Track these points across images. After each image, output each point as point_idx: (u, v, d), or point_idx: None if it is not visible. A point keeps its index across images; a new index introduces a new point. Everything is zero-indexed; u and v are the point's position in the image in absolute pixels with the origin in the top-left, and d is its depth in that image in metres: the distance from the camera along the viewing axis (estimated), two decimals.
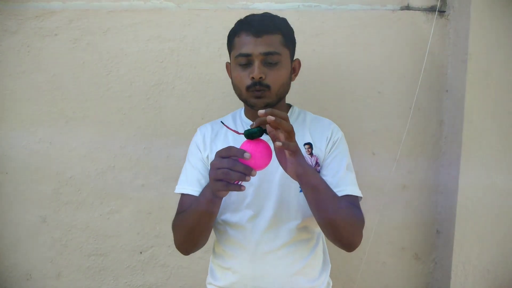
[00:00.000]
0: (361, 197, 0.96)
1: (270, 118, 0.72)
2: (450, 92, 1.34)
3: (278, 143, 0.73)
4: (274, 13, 1.28)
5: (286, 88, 0.98)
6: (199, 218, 0.89)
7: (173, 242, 1.36)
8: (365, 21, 1.33)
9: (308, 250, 0.97)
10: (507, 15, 1.26)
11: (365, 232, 1.34)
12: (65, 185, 1.36)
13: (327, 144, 0.98)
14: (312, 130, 1.00)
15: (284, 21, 0.99)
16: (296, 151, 0.78)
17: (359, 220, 0.91)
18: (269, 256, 0.94)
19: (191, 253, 0.98)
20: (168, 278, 1.40)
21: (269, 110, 0.73)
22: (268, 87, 0.92)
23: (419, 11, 1.34)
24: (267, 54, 0.91)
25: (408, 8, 1.35)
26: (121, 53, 1.32)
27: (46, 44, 1.32)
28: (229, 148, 0.75)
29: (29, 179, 1.35)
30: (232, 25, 1.30)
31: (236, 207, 0.96)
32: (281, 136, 0.76)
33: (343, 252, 1.04)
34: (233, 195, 0.96)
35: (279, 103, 0.98)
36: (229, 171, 0.73)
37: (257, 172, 0.75)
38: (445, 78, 1.35)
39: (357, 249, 1.34)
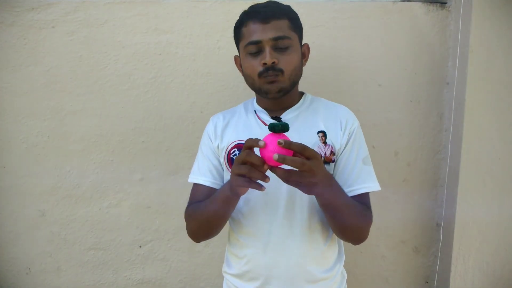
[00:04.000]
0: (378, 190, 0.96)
1: (294, 163, 0.70)
2: (450, 84, 1.33)
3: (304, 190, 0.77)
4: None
5: (298, 73, 0.96)
6: (215, 213, 0.90)
7: (172, 236, 1.38)
8: (365, 12, 1.31)
9: (322, 240, 0.96)
10: (508, 7, 1.25)
11: None
12: (63, 179, 1.35)
13: (343, 134, 0.95)
14: (325, 117, 0.97)
15: (288, 7, 0.98)
16: (313, 188, 0.77)
17: (368, 220, 0.93)
18: (282, 245, 0.94)
19: (202, 241, 1.01)
20: (167, 272, 1.40)
21: (287, 143, 0.70)
22: (281, 71, 0.91)
23: (420, 3, 1.32)
24: (277, 39, 0.90)
25: None
26: (118, 45, 1.31)
27: (43, 36, 1.30)
28: (248, 140, 0.74)
29: (28, 173, 1.35)
30: (231, 17, 1.29)
31: (248, 197, 0.95)
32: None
33: (343, 245, 1.04)
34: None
35: (292, 90, 0.97)
36: (240, 166, 0.73)
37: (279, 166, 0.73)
38: (445, 71, 1.34)
39: None
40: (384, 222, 1.37)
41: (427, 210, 1.38)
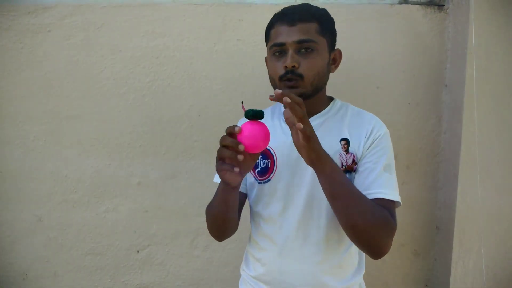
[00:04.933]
0: (398, 202, 0.89)
1: (286, 100, 0.69)
2: (449, 87, 1.33)
3: (298, 125, 0.71)
4: (270, 7, 1.26)
5: (322, 79, 0.94)
6: (218, 207, 0.90)
7: (170, 240, 1.37)
8: (363, 15, 1.31)
9: (339, 250, 0.93)
10: (506, 9, 1.25)
11: None
12: (60, 183, 1.34)
13: (366, 140, 0.91)
14: (351, 125, 0.94)
15: (322, 10, 0.97)
16: (310, 136, 0.75)
17: (387, 227, 0.84)
18: (298, 252, 0.92)
19: (222, 239, 0.99)
20: (165, 277, 1.39)
21: (286, 91, 0.71)
22: (301, 76, 0.89)
23: (418, 5, 1.32)
24: (301, 42, 0.88)
25: (406, 2, 1.33)
26: (115, 49, 1.30)
27: (39, 40, 1.30)
28: (228, 127, 0.76)
29: (24, 178, 1.34)
30: (228, 20, 1.29)
31: (268, 200, 0.95)
32: (295, 119, 0.74)
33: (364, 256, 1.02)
34: (265, 188, 0.95)
35: (317, 95, 0.94)
36: (221, 148, 0.76)
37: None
38: (444, 73, 1.34)
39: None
40: None
41: (427, 213, 1.37)
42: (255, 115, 0.75)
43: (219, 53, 1.31)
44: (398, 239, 1.38)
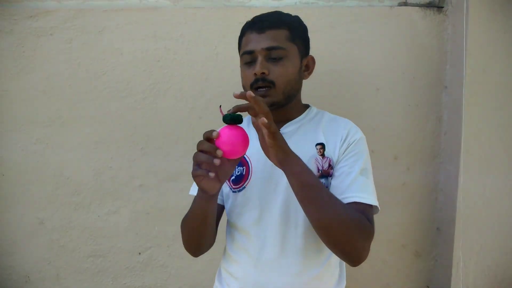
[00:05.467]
0: (376, 207, 0.88)
1: (250, 94, 0.69)
2: (448, 88, 1.34)
3: (263, 120, 0.70)
4: (271, 10, 1.27)
5: (294, 86, 0.93)
6: (195, 219, 0.87)
7: (172, 242, 1.37)
8: (362, 17, 1.32)
9: (318, 261, 0.90)
10: (505, 10, 1.25)
11: None
12: (62, 186, 1.35)
13: (342, 145, 0.90)
14: (326, 130, 0.94)
15: (294, 17, 0.97)
16: (275, 133, 0.73)
17: (363, 230, 0.81)
18: (274, 263, 0.89)
19: (198, 254, 0.96)
20: (167, 279, 1.39)
21: (245, 92, 0.71)
22: (272, 83, 0.88)
23: (417, 7, 1.33)
24: (270, 49, 0.88)
25: (405, 4, 1.34)
26: (117, 52, 1.31)
27: (41, 44, 1.31)
28: (205, 132, 0.74)
29: (26, 180, 1.34)
30: (228, 23, 1.30)
31: (242, 209, 0.93)
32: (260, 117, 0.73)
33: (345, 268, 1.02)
34: (239, 197, 0.93)
35: (291, 103, 0.94)
36: (198, 152, 0.73)
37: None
38: (443, 75, 1.34)
39: None
40: (384, 227, 1.37)
41: (427, 214, 1.38)
42: (233, 120, 0.74)
43: (219, 56, 1.32)
44: (399, 240, 1.39)
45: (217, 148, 0.72)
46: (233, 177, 0.94)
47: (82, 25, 1.31)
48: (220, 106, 0.79)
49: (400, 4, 1.34)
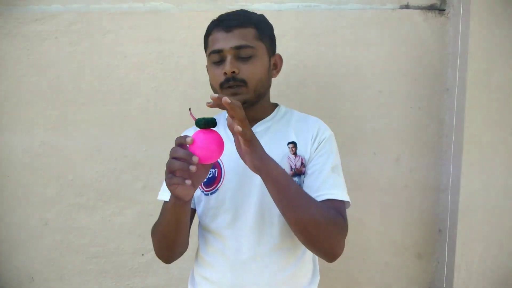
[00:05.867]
0: (348, 202, 0.89)
1: (226, 100, 0.68)
2: (450, 90, 1.34)
3: (237, 128, 0.69)
4: (273, 13, 1.28)
5: (264, 84, 0.92)
6: (168, 225, 0.85)
7: None
8: (364, 20, 1.33)
9: (293, 258, 0.91)
10: (507, 13, 1.26)
11: (367, 231, 1.36)
12: (66, 187, 1.36)
13: (313, 143, 0.91)
14: (297, 129, 0.94)
15: (260, 16, 0.96)
16: (251, 140, 0.73)
17: (338, 226, 0.83)
18: (250, 265, 0.88)
19: (171, 261, 0.95)
20: (169, 280, 1.40)
21: (221, 95, 0.70)
22: (243, 81, 0.88)
23: (419, 10, 1.33)
24: (238, 48, 0.87)
25: (407, 7, 1.34)
26: (120, 55, 1.33)
27: (46, 47, 1.32)
28: (177, 137, 0.73)
29: (31, 182, 1.36)
30: None
31: (215, 212, 0.91)
32: (235, 123, 0.72)
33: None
34: (212, 199, 0.92)
35: (260, 101, 0.94)
36: (171, 159, 0.71)
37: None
38: (445, 77, 1.35)
39: (359, 248, 1.37)
40: (387, 229, 1.37)
41: (429, 216, 1.38)
42: (207, 124, 0.71)
43: None
44: (401, 242, 1.39)
45: (192, 154, 0.69)
46: (205, 180, 0.91)
47: (87, 28, 1.32)
48: (190, 109, 0.77)
49: (401, 7, 1.35)
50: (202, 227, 0.96)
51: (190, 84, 1.34)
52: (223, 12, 1.30)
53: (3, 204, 1.37)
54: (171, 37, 1.32)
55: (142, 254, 1.39)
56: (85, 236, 1.38)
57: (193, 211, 0.98)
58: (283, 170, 0.80)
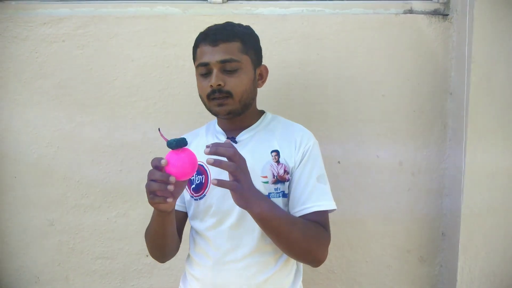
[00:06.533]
0: (333, 209, 0.94)
1: (209, 161, 0.73)
2: (453, 95, 1.35)
3: (213, 181, 0.74)
4: (278, 18, 1.29)
5: (250, 95, 0.97)
6: (155, 231, 0.92)
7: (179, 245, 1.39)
8: (368, 25, 1.34)
9: (274, 260, 0.94)
10: (510, 18, 1.27)
11: (370, 234, 1.37)
12: (72, 189, 1.38)
13: (297, 152, 0.94)
14: (281, 137, 0.98)
15: (246, 28, 1.01)
16: (235, 189, 0.77)
17: (321, 240, 0.89)
18: (232, 265, 0.93)
19: (165, 261, 1.02)
20: (174, 281, 1.41)
21: (213, 148, 0.74)
22: (229, 93, 0.92)
23: (422, 15, 1.35)
24: (224, 61, 0.92)
25: (411, 12, 1.36)
26: (128, 58, 1.34)
27: (54, 50, 1.34)
28: (152, 159, 0.77)
29: (37, 183, 1.37)
30: None
31: (203, 216, 0.97)
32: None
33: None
34: (201, 204, 0.97)
35: (247, 111, 0.98)
36: (150, 182, 0.76)
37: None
38: (448, 81, 1.36)
39: (362, 252, 1.37)
40: (389, 232, 1.38)
41: (432, 220, 1.39)
42: (178, 144, 0.75)
43: None
44: (404, 245, 1.39)
45: (169, 175, 0.73)
46: (194, 186, 0.98)
47: (94, 32, 1.34)
48: (159, 129, 0.82)
49: (405, 12, 1.36)
50: (192, 229, 1.03)
51: (196, 87, 1.34)
52: (227, 16, 1.33)
53: (9, 204, 1.38)
54: (177, 41, 1.34)
55: (147, 255, 1.40)
56: (90, 237, 1.39)
57: (184, 214, 1.04)
58: (267, 202, 0.84)
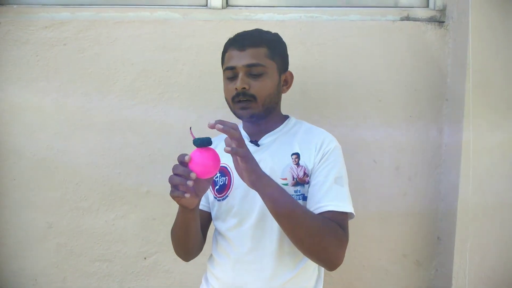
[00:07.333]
0: (351, 214, 0.92)
1: (219, 126, 0.74)
2: (450, 100, 1.37)
3: (227, 148, 0.75)
4: (276, 23, 1.31)
5: (273, 99, 0.99)
6: (179, 229, 0.95)
7: None
8: (366, 31, 1.36)
9: (293, 264, 0.94)
10: (505, 25, 1.29)
11: (366, 239, 1.38)
12: (71, 191, 1.38)
13: (317, 154, 0.95)
14: (302, 140, 0.99)
15: (273, 35, 1.03)
16: (246, 157, 0.78)
17: (336, 238, 0.86)
18: (251, 266, 0.94)
19: (189, 259, 1.04)
20: (171, 284, 1.41)
21: (218, 120, 0.76)
22: (253, 97, 0.95)
23: (419, 22, 1.37)
24: (250, 66, 0.95)
25: (408, 18, 1.38)
26: (127, 62, 1.36)
27: (55, 53, 1.35)
28: (179, 155, 0.79)
29: (37, 185, 1.38)
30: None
31: (225, 216, 0.99)
32: (232, 143, 0.78)
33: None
34: (223, 205, 0.99)
35: (270, 115, 1.01)
36: (172, 175, 0.79)
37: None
38: (445, 87, 1.37)
39: (359, 256, 1.38)
40: (386, 236, 1.39)
41: (428, 224, 1.40)
42: (202, 143, 0.78)
43: None
44: (400, 249, 1.40)
45: (190, 171, 0.76)
46: (217, 187, 1.01)
47: (95, 36, 1.35)
48: (190, 128, 0.84)
49: (402, 19, 1.38)
50: (215, 229, 1.05)
51: (195, 91, 1.36)
52: (226, 21, 1.35)
53: (9, 206, 1.39)
54: (177, 45, 1.35)
55: (145, 258, 1.41)
56: (88, 239, 1.40)
57: (208, 214, 1.06)
58: (278, 186, 0.85)
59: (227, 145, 0.78)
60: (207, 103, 1.37)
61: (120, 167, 1.38)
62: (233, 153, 0.76)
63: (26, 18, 1.35)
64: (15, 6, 1.36)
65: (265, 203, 0.84)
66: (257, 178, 0.81)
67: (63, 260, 1.40)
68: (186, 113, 1.36)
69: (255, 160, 0.81)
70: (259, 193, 0.83)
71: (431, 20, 1.38)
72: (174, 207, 1.38)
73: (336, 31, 1.36)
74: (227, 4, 1.39)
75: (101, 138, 1.37)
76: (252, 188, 0.82)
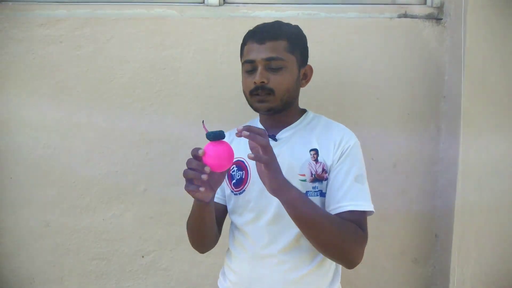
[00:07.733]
0: (371, 211, 0.92)
1: (245, 133, 0.74)
2: (447, 98, 1.37)
3: (250, 154, 0.75)
4: (273, 20, 1.30)
5: (292, 94, 0.98)
6: (195, 222, 0.95)
7: (175, 246, 1.40)
8: (363, 29, 1.36)
9: (310, 259, 0.94)
10: (502, 22, 1.28)
11: None
12: (68, 190, 1.38)
13: (336, 151, 0.94)
14: (320, 135, 0.97)
15: (294, 28, 1.01)
16: (269, 165, 0.77)
17: (356, 239, 0.87)
18: (267, 260, 0.94)
19: (204, 251, 1.04)
20: (169, 282, 1.41)
21: (246, 126, 0.75)
22: (272, 90, 0.93)
23: (416, 19, 1.36)
24: (269, 59, 0.93)
25: (405, 16, 1.37)
26: (124, 60, 1.35)
27: (51, 51, 1.34)
28: (192, 149, 0.78)
29: (33, 184, 1.37)
30: (232, 34, 1.34)
31: (242, 210, 0.98)
32: (259, 150, 0.77)
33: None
34: (240, 199, 0.98)
35: (288, 109, 0.99)
36: (187, 169, 0.78)
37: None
38: (442, 84, 1.37)
39: None
40: (383, 233, 1.39)
41: (426, 221, 1.40)
42: (216, 137, 0.77)
43: (223, 65, 1.35)
44: (397, 247, 1.41)
45: (204, 165, 0.76)
46: (234, 181, 1.00)
47: (91, 33, 1.34)
48: (203, 121, 0.83)
49: (400, 16, 1.37)
50: (232, 223, 1.05)
51: (192, 88, 1.36)
52: (224, 19, 1.34)
53: (5, 205, 1.38)
54: (174, 42, 1.34)
55: (143, 256, 1.40)
56: (86, 238, 1.39)
57: (223, 207, 1.06)
58: (298, 192, 0.84)
59: (250, 148, 0.79)
60: (204, 101, 1.37)
61: (117, 166, 1.37)
62: (257, 160, 0.76)
63: (22, 15, 1.34)
64: (10, 3, 1.35)
65: (285, 208, 0.84)
66: (278, 186, 0.80)
67: (60, 258, 1.40)
68: (182, 111, 1.36)
69: (279, 167, 0.80)
70: (279, 199, 0.83)
71: (428, 17, 1.37)
72: (172, 205, 1.39)
73: (333, 28, 1.35)
74: (224, 1, 1.38)
75: (97, 136, 1.36)
76: (272, 195, 0.82)
